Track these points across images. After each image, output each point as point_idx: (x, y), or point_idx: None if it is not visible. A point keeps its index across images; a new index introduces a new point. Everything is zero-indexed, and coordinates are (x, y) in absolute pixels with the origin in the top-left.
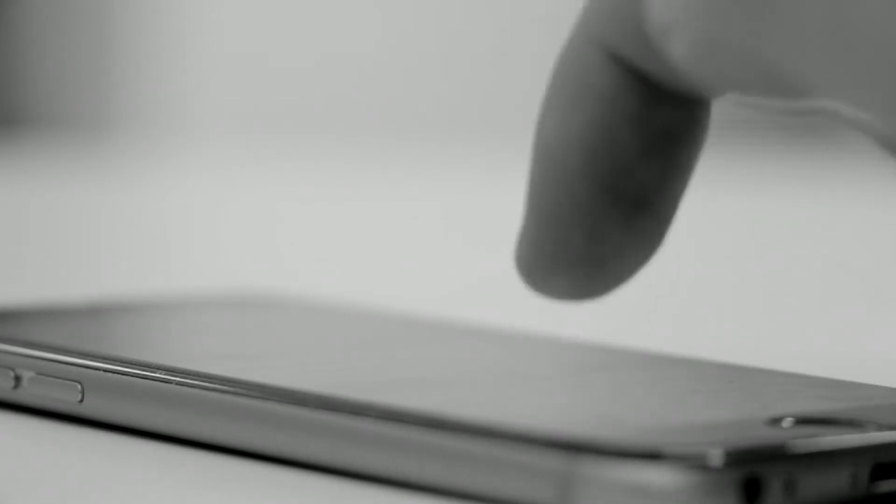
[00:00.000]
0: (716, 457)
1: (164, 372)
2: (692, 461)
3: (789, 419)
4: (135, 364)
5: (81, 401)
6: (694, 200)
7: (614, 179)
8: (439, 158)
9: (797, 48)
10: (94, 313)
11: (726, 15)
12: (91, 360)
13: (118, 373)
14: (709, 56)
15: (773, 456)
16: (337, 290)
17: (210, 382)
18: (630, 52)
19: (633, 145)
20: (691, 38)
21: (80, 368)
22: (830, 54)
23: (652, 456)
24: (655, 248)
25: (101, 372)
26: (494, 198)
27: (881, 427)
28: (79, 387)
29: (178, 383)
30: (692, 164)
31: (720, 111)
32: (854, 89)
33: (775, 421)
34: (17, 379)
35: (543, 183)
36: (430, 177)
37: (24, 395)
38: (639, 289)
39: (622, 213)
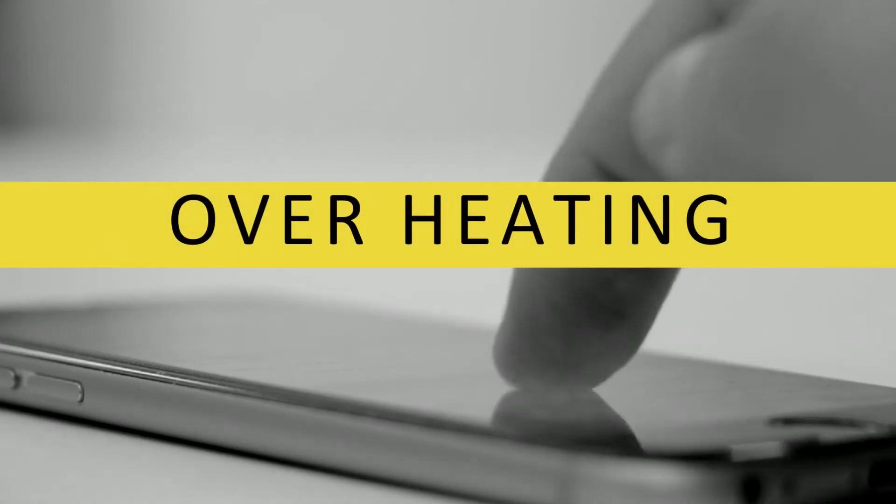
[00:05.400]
0: (716, 457)
1: (164, 372)
2: (692, 461)
3: (789, 419)
4: (135, 364)
5: (81, 401)
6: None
7: (593, 290)
8: (438, 158)
9: (808, 156)
10: (94, 313)
11: (732, 126)
12: (91, 360)
13: (118, 373)
14: (709, 165)
15: (773, 456)
16: (337, 290)
17: (210, 382)
18: (618, 163)
19: None
20: (691, 149)
21: (80, 368)
22: (845, 157)
23: (652, 456)
24: (631, 355)
25: (101, 372)
26: None
27: (881, 427)
28: (79, 387)
29: (178, 383)
30: (671, 277)
31: None
32: (868, 177)
33: (775, 421)
34: (17, 379)
35: (524, 288)
36: (429, 177)
37: (24, 395)
38: None
39: (600, 322)
